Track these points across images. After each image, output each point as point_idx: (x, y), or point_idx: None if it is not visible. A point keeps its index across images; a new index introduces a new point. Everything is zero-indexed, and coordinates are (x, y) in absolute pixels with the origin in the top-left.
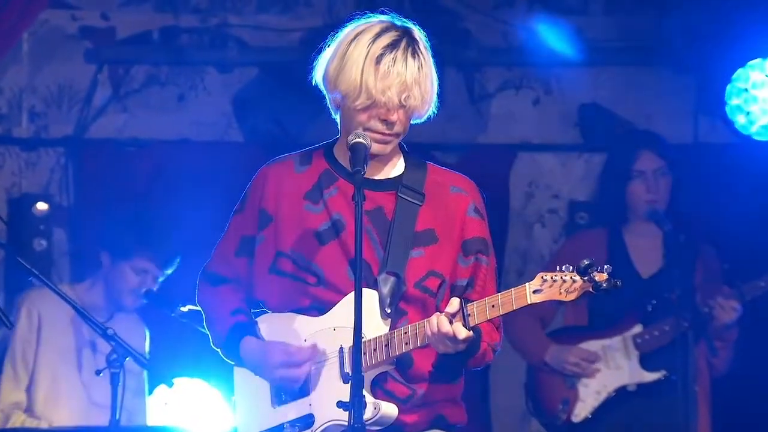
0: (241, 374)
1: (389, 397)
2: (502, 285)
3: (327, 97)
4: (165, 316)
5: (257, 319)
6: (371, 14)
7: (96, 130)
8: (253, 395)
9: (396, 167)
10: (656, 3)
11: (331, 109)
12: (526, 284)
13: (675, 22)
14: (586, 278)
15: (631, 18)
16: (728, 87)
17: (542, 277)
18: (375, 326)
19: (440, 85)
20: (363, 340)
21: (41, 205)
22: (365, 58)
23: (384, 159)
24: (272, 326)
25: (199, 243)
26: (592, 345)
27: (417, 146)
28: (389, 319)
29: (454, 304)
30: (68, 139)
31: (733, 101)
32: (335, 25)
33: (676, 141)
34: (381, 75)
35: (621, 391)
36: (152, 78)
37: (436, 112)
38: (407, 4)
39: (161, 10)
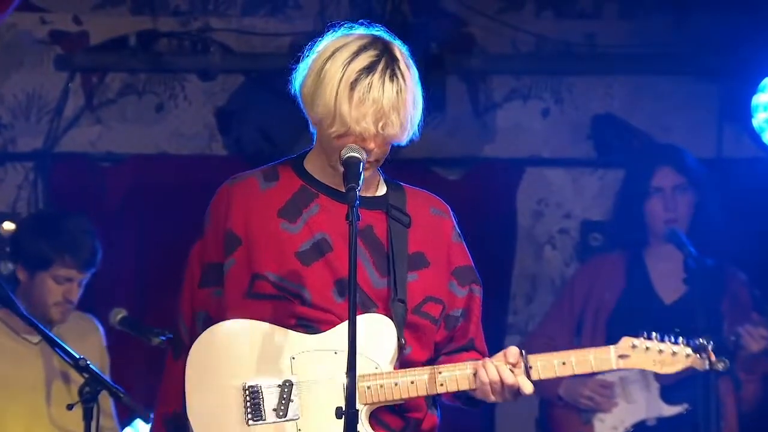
0: (195, 380)
1: (383, 427)
2: (509, 311)
3: (304, 110)
4: (143, 343)
5: (231, 322)
6: (353, 26)
7: (67, 143)
8: (217, 408)
9: (380, 187)
10: (676, 5)
11: (309, 121)
12: (611, 347)
13: (696, 26)
14: (698, 355)
15: (648, 21)
16: (754, 98)
17: (631, 344)
18: (391, 358)
19: (443, 94)
20: (378, 371)
21: (8, 225)
22: (340, 82)
23: (370, 178)
24: (250, 336)
25: (181, 265)
26: (609, 376)
27: (417, 161)
28: (399, 351)
29: (514, 353)
30: (37, 152)
31: (760, 115)
32: (328, 29)
33: (699, 155)
34: (356, 102)
35: (640, 427)
36: (128, 87)
37: (419, 135)
38: (405, 7)
39: (138, 13)
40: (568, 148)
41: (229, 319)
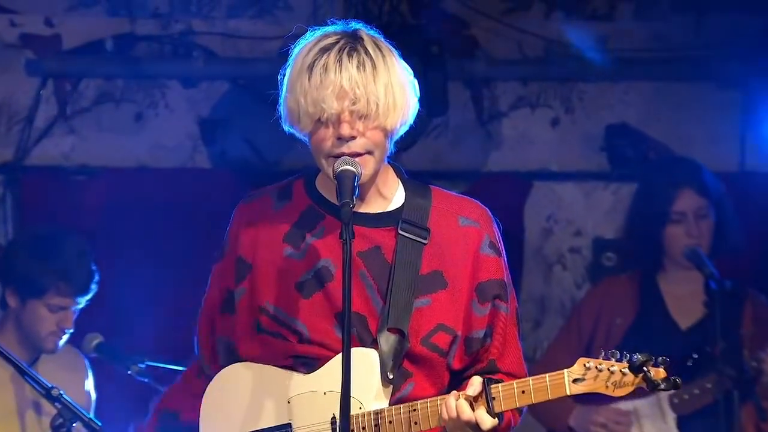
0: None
1: None
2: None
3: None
4: (120, 372)
5: (234, 366)
6: (317, 28)
7: (39, 155)
8: None
9: (394, 198)
10: (695, 6)
11: None
12: (565, 371)
13: (718, 28)
14: (640, 375)
15: (665, 24)
16: None
17: (584, 365)
18: (375, 394)
19: (444, 102)
20: (361, 411)
21: None
22: (299, 75)
23: (379, 189)
24: (252, 378)
25: (162, 289)
26: (623, 405)
27: (415, 174)
28: (391, 386)
29: (476, 384)
30: (6, 165)
31: None
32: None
33: (720, 169)
34: (313, 87)
35: None
36: (105, 94)
37: (412, 122)
38: (404, 8)
39: (115, 14)
40: (580, 160)
41: (241, 353)
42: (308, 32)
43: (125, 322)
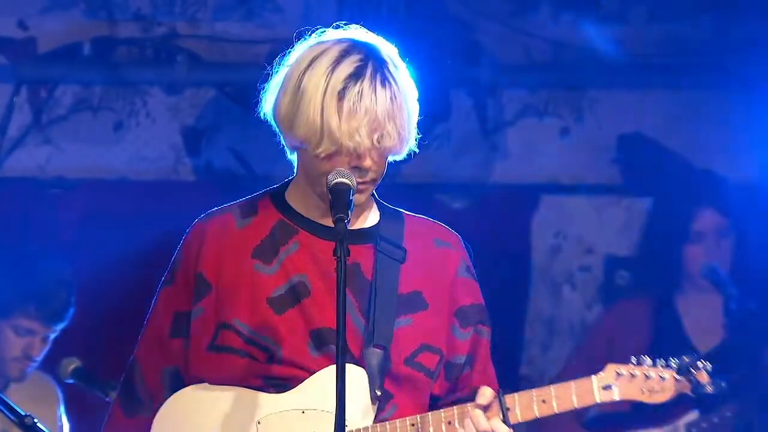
0: None
1: None
2: (522, 361)
3: (280, 136)
4: (97, 399)
5: (194, 388)
6: (324, 30)
7: (11, 167)
8: None
9: (371, 216)
10: (716, 7)
11: (286, 148)
12: (593, 377)
13: (739, 31)
14: (683, 378)
15: (683, 27)
16: None
17: (616, 371)
18: (362, 412)
19: (447, 111)
20: (348, 429)
21: None
22: (324, 93)
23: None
24: (214, 402)
25: (143, 309)
26: None
27: (415, 187)
28: (377, 403)
29: (487, 394)
30: None
31: None
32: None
33: (741, 181)
34: (346, 115)
35: None
36: (82, 102)
37: (416, 150)
38: (403, 10)
39: (93, 16)
40: (591, 173)
41: (192, 374)
42: (314, 34)
43: (104, 345)
